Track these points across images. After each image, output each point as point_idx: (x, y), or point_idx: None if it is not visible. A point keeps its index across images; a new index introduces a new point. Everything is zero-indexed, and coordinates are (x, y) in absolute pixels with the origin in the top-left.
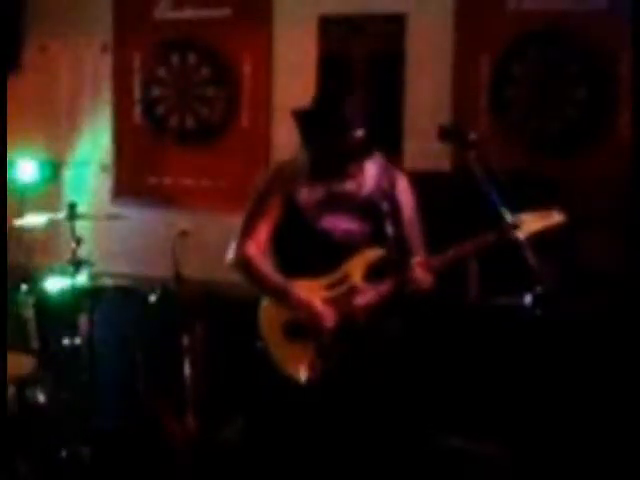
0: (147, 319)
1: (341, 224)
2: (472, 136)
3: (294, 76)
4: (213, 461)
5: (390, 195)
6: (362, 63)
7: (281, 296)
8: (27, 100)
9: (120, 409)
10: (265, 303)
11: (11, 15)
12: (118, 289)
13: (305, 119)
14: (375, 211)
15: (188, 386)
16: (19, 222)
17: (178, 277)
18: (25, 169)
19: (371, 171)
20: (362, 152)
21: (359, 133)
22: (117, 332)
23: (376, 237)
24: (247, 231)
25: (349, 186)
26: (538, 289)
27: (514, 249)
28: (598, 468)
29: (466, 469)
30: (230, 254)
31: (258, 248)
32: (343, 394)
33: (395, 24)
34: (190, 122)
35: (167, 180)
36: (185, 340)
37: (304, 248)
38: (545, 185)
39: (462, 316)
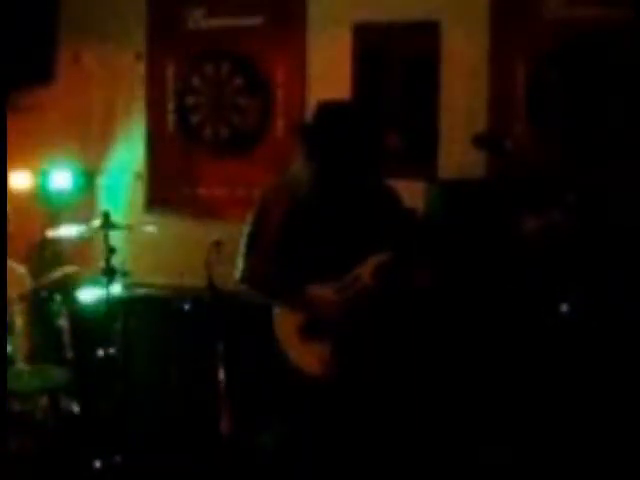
0: (181, 329)
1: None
2: (507, 144)
3: (328, 84)
4: (249, 466)
5: None
6: (396, 71)
7: (294, 301)
8: (61, 110)
9: (154, 418)
10: (277, 311)
11: (44, 25)
12: (152, 299)
13: (309, 134)
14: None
15: (222, 392)
16: (53, 232)
17: (212, 287)
18: (59, 179)
19: None
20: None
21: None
22: (151, 342)
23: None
24: (251, 247)
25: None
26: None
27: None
28: None
29: None
30: (236, 274)
31: (263, 263)
32: (362, 388)
33: (430, 32)
34: (224, 131)
35: (201, 190)
36: (219, 347)
37: (312, 256)
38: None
39: None
